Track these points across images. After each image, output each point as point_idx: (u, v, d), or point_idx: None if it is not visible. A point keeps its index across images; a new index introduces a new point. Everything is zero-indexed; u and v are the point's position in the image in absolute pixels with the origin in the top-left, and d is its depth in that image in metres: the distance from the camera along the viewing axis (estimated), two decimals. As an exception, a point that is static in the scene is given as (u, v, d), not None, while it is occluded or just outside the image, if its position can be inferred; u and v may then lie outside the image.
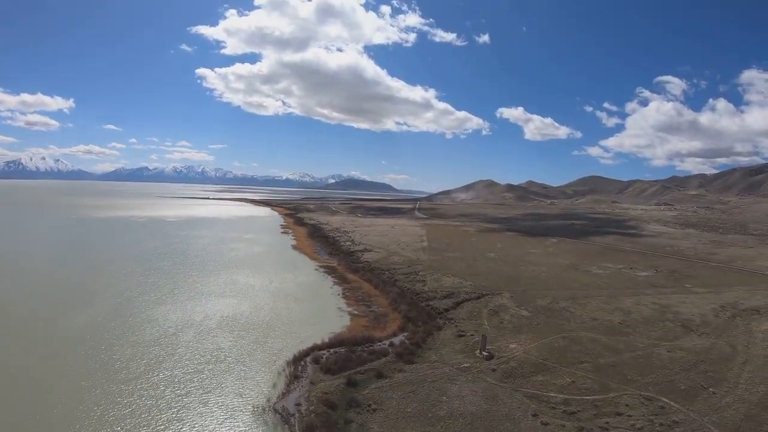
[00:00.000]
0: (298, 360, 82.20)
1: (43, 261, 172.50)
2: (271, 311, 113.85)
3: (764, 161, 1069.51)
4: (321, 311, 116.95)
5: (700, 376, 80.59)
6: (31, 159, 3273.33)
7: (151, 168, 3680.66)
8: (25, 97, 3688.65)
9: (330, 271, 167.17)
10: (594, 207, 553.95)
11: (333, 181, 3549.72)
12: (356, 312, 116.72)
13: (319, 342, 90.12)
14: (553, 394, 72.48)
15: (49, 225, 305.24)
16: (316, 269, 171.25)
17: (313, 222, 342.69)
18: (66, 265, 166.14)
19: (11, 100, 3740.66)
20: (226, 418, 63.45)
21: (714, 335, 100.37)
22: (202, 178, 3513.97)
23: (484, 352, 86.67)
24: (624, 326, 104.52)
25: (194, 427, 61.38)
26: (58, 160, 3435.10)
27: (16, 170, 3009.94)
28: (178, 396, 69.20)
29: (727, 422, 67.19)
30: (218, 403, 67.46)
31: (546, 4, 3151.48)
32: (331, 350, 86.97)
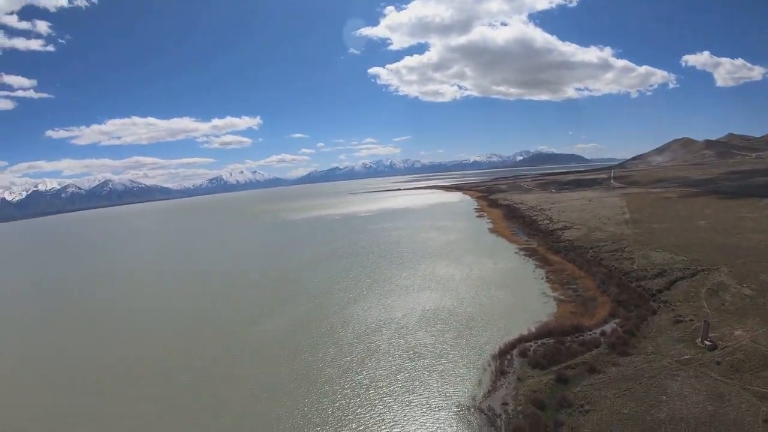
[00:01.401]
0: (503, 354, 79.97)
1: (253, 263, 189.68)
2: (473, 302, 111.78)
3: None
4: (525, 298, 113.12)
5: None
6: (230, 174, 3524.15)
7: (341, 167, 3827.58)
8: (216, 122, 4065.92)
9: (530, 253, 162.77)
10: None
11: (521, 158, 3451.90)
12: (562, 297, 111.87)
13: (525, 333, 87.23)
14: (790, 394, 62.89)
15: (255, 230, 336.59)
16: (515, 252, 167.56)
17: (507, 202, 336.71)
18: (272, 266, 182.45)
19: (204, 126, 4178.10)
20: (429, 419, 62.78)
21: None
22: (391, 170, 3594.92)
23: (706, 341, 77.97)
24: None
25: (397, 427, 61.70)
26: (255, 172, 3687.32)
27: (218, 185, 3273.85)
28: (381, 396, 70.00)
29: None
30: (421, 402, 67.05)
31: None
32: (539, 342, 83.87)
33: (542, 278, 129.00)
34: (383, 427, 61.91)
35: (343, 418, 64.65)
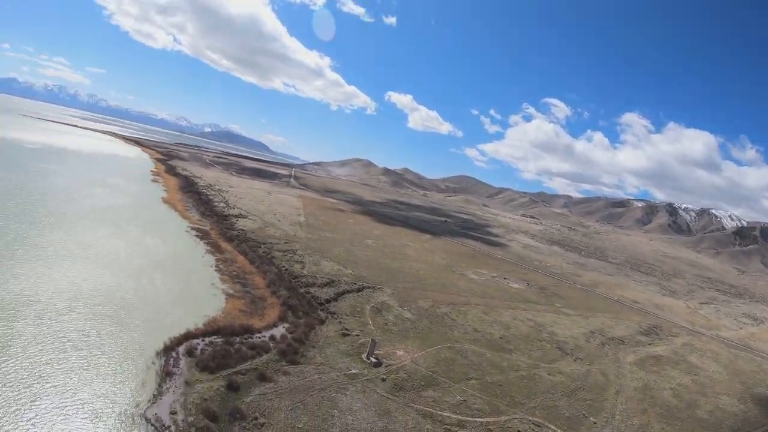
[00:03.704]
0: (169, 350, 71.70)
1: None
2: (137, 285, 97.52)
3: (626, 196, 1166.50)
4: (193, 286, 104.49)
5: (581, 404, 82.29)
6: None
7: (20, 81, 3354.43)
8: None
9: (202, 235, 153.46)
10: (465, 207, 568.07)
11: (209, 129, 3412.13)
12: (231, 291, 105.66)
13: (192, 328, 79.81)
14: (446, 414, 69.32)
15: None
16: (187, 231, 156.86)
17: (186, 173, 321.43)
18: None
19: None
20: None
21: (588, 361, 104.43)
22: (73, 101, 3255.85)
23: (372, 358, 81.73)
24: (505, 342, 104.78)
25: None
26: None
27: None
28: (23, 404, 53.52)
29: (609, 453, 68.56)
30: (77, 407, 54.52)
31: (459, 2, 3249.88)
32: (206, 340, 77.75)
33: (212, 266, 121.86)
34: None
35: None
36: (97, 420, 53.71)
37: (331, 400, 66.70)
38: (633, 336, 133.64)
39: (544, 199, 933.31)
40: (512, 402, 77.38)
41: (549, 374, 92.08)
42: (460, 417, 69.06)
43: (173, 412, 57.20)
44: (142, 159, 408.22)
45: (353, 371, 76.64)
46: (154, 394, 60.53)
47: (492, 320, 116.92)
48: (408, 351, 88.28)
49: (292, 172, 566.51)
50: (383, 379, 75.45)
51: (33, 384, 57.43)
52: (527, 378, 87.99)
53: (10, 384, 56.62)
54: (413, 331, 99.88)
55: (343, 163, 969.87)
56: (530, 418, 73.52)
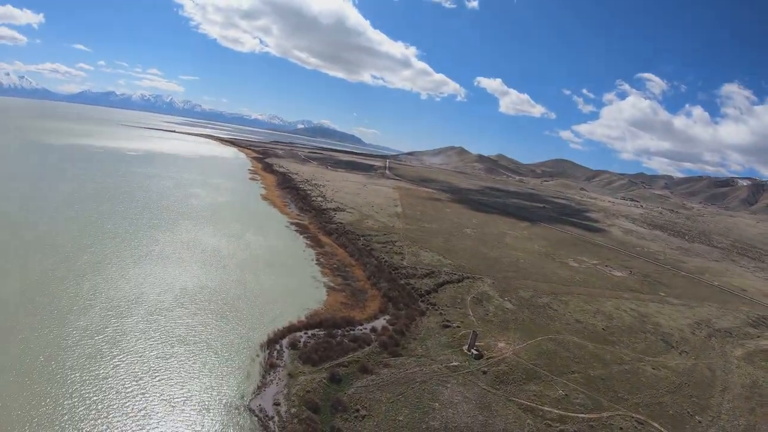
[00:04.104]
0: (273, 343, 73.69)
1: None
2: (240, 279, 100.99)
3: (730, 174, 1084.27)
4: (294, 280, 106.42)
5: (686, 401, 77.56)
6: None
7: (118, 93, 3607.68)
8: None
9: (301, 230, 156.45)
10: (563, 191, 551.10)
11: (302, 126, 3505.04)
12: (332, 284, 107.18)
13: (295, 321, 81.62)
14: (548, 409, 67.10)
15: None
16: (286, 226, 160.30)
17: (283, 170, 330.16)
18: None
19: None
20: (194, 423, 53.32)
21: (693, 355, 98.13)
22: (169, 108, 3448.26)
23: (473, 350, 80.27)
24: (608, 333, 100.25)
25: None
26: (22, 77, 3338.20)
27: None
28: (133, 396, 56.03)
29: (714, 454, 64.48)
30: (185, 399, 56.68)
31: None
32: (309, 333, 79.36)
33: (312, 260, 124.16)
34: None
35: (88, 421, 51.45)
36: (204, 410, 55.81)
37: (431, 392, 66.14)
38: (741, 328, 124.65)
39: (643, 180, 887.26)
40: (615, 397, 74.05)
41: (653, 368, 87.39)
42: (561, 412, 66.78)
43: (277, 403, 58.56)
44: (239, 159, 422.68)
45: (454, 363, 75.70)
46: (258, 386, 62.25)
47: (594, 310, 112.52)
48: (509, 343, 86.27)
49: (387, 163, 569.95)
50: (484, 372, 74.09)
51: (143, 376, 60.45)
52: (631, 372, 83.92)
53: (120, 376, 59.92)
54: (514, 322, 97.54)
55: (436, 152, 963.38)
56: (633, 414, 70.07)
